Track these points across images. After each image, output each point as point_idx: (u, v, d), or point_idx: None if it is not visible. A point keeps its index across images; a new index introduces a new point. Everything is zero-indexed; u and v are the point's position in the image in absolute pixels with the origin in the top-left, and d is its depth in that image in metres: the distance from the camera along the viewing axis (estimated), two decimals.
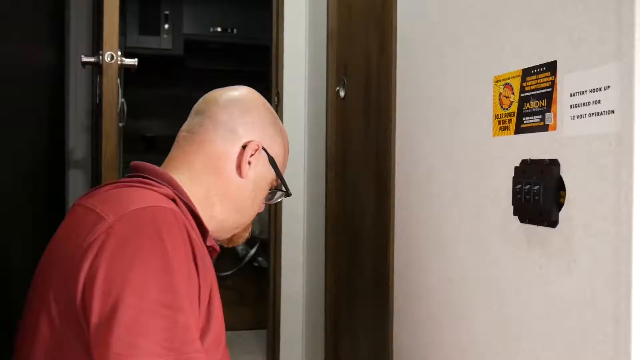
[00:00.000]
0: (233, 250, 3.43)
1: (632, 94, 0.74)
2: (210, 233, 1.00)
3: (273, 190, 1.13)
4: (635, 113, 0.74)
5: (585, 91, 0.83)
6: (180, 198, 0.95)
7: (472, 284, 1.11)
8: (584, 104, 0.83)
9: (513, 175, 0.97)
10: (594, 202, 0.81)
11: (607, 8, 0.79)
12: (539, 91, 0.92)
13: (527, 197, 0.92)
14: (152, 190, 0.91)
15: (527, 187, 0.92)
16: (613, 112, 0.78)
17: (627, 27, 0.75)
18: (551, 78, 0.90)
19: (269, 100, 2.61)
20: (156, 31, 4.60)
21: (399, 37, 1.47)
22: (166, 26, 4.62)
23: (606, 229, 0.79)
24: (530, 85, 0.94)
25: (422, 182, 1.32)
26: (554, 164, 0.88)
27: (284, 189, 1.13)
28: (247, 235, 1.15)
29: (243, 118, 1.04)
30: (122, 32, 4.04)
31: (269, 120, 1.09)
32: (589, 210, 0.82)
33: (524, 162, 0.95)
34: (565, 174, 0.87)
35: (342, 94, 2.02)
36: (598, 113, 0.80)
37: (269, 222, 2.72)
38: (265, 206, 1.16)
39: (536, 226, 0.92)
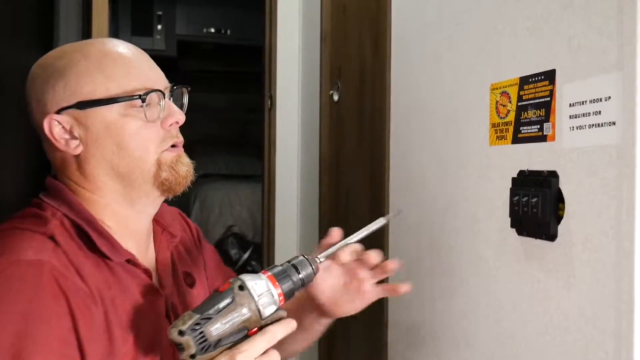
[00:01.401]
0: (226, 254, 3.40)
1: (634, 106, 0.72)
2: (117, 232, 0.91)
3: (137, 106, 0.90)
4: (637, 125, 0.71)
5: (585, 101, 0.80)
6: (77, 219, 0.88)
7: (468, 295, 1.08)
8: (583, 114, 0.81)
9: (510, 186, 0.94)
10: (594, 216, 0.79)
11: (608, 15, 0.76)
12: (537, 100, 0.90)
13: (525, 209, 0.89)
14: (26, 231, 0.84)
15: (525, 199, 0.89)
16: (614, 123, 0.76)
17: (629, 36, 0.72)
18: (550, 87, 0.87)
19: (262, 102, 2.59)
20: (149, 32, 4.56)
21: (393, 40, 1.44)
22: (159, 27, 4.58)
23: (607, 244, 0.77)
24: (528, 94, 0.92)
25: (417, 189, 1.29)
26: (553, 175, 0.86)
27: (135, 97, 0.89)
28: (184, 170, 0.94)
29: (29, 103, 0.94)
30: (114, 33, 4.01)
31: (38, 82, 0.91)
32: (589, 225, 0.80)
33: (521, 172, 0.93)
34: (564, 186, 0.84)
35: (336, 97, 1.99)
36: (598, 124, 0.78)
37: (262, 225, 2.69)
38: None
39: (534, 239, 0.89)
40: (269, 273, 0.82)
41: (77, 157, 0.91)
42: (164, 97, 0.92)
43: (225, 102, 4.77)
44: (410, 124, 1.33)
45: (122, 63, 0.91)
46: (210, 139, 4.44)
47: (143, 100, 0.89)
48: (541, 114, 0.89)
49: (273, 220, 2.46)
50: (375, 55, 1.64)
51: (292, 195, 2.43)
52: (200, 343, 0.76)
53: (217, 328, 0.77)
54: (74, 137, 0.90)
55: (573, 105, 0.82)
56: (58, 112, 0.90)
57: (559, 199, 0.85)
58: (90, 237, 0.87)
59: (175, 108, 0.95)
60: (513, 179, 0.94)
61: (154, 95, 0.91)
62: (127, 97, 0.89)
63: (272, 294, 0.80)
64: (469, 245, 1.08)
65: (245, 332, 0.79)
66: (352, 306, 1.02)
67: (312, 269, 0.86)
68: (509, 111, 0.96)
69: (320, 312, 1.04)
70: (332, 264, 0.98)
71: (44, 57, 0.94)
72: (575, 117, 0.82)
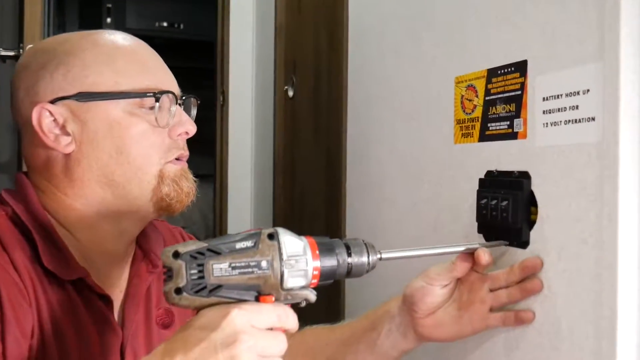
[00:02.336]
0: None
1: (616, 100, 0.65)
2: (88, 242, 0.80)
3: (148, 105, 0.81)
4: (620, 121, 0.64)
5: (561, 95, 0.73)
6: (29, 222, 0.76)
7: None
8: (559, 109, 0.73)
9: (477, 188, 0.86)
10: (572, 221, 0.71)
11: (586, 1, 0.69)
12: (507, 94, 0.82)
13: (494, 213, 0.81)
14: None
15: (494, 202, 0.81)
16: (593, 119, 0.68)
17: (610, 22, 0.65)
18: (521, 80, 0.80)
19: (214, 99, 2.48)
20: (98, 25, 4.37)
21: (350, 33, 1.35)
22: (108, 20, 4.39)
23: (586, 253, 0.69)
24: (497, 88, 0.84)
25: (375, 190, 1.21)
26: (525, 176, 0.78)
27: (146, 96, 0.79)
28: (188, 187, 0.83)
29: (17, 87, 0.82)
30: (61, 26, 3.82)
31: (34, 68, 0.80)
32: (566, 231, 0.72)
33: (489, 173, 0.85)
34: (537, 188, 0.77)
35: (290, 93, 1.90)
36: (576, 120, 0.71)
37: (213, 225, 2.58)
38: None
39: (504, 247, 0.82)
40: (312, 238, 0.65)
41: (66, 156, 0.78)
42: (176, 103, 0.82)
43: None
44: (369, 120, 1.25)
45: (136, 59, 0.81)
46: None
47: (157, 100, 0.78)
48: (511, 109, 0.81)
49: (225, 221, 2.36)
50: (332, 49, 1.55)
51: (245, 195, 2.34)
52: (195, 278, 0.60)
53: (222, 268, 0.60)
54: (66, 133, 0.78)
55: (547, 99, 0.75)
56: (53, 102, 0.77)
57: (532, 202, 0.78)
58: (36, 244, 0.75)
59: (187, 117, 0.84)
60: (480, 180, 0.86)
61: (165, 98, 0.80)
62: (139, 94, 0.78)
63: (306, 262, 0.62)
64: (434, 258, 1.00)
65: (255, 294, 0.61)
66: (456, 329, 0.81)
67: (368, 260, 0.67)
68: (475, 106, 0.89)
69: (406, 331, 0.84)
70: (447, 271, 0.80)
71: (42, 42, 0.84)
72: (550, 113, 0.75)
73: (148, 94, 0.78)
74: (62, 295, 0.75)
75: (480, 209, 0.85)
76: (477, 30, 0.88)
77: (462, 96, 0.91)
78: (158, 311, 0.87)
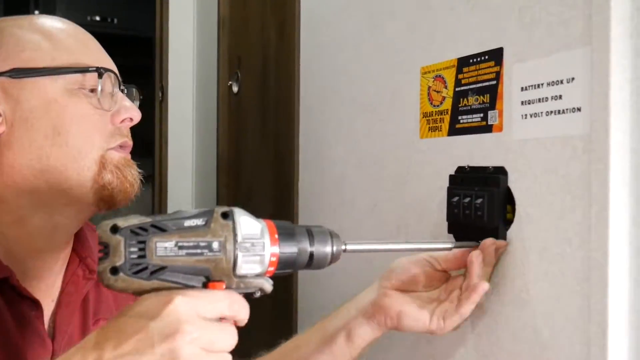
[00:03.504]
0: None
1: (606, 88, 0.60)
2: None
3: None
4: (610, 111, 0.59)
5: (542, 84, 0.68)
6: None
7: None
8: (539, 100, 0.68)
9: (447, 185, 0.81)
10: (554, 220, 0.66)
11: None
12: (480, 84, 0.76)
13: (467, 212, 0.75)
14: None
15: (467, 200, 0.75)
16: (579, 109, 0.63)
17: (599, 3, 0.60)
18: (496, 69, 0.74)
19: (152, 95, 2.36)
20: None
21: (303, 23, 1.28)
22: (36, 12, 4.17)
23: (570, 254, 0.64)
24: (469, 78, 0.78)
25: (333, 190, 1.14)
26: (501, 172, 0.73)
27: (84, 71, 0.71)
28: (132, 177, 0.75)
29: None
30: None
31: None
32: (548, 230, 0.67)
33: (460, 169, 0.79)
34: (514, 184, 0.72)
35: (235, 88, 1.81)
36: (559, 111, 0.66)
37: None
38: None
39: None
40: (272, 222, 0.58)
41: None
42: (120, 87, 0.74)
43: None
44: (324, 116, 1.18)
45: (75, 37, 0.74)
46: None
47: (100, 76, 0.71)
48: (485, 100, 0.76)
49: None
50: (281, 41, 1.48)
51: (186, 197, 2.23)
52: (135, 257, 0.52)
53: (167, 247, 0.53)
54: None
55: (526, 89, 0.70)
56: None
57: (508, 199, 0.72)
58: None
59: (131, 103, 0.76)
60: (451, 176, 0.80)
61: (108, 79, 0.72)
62: (80, 69, 0.71)
63: (262, 247, 0.55)
64: (395, 256, 0.93)
65: (203, 280, 0.54)
66: (420, 319, 0.73)
67: (332, 250, 0.61)
68: (444, 98, 0.83)
69: (372, 316, 0.76)
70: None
71: None
72: (529, 103, 0.69)
73: (90, 69, 0.71)
74: None
75: (451, 207, 0.79)
76: (446, 16, 0.83)
77: (429, 87, 0.85)
78: (96, 323, 0.77)
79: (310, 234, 0.60)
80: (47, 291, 0.75)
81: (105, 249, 0.52)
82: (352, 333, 0.76)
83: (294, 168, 1.31)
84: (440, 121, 0.84)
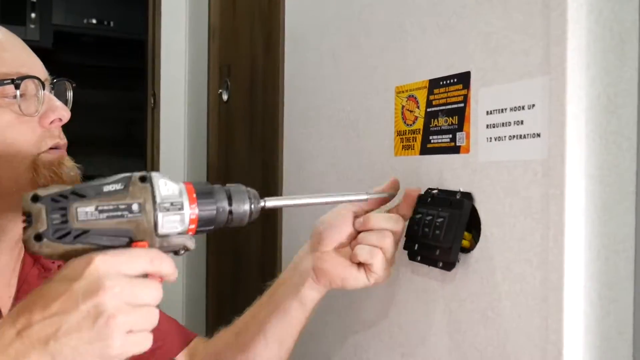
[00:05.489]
0: None
1: (562, 116, 0.62)
2: None
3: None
4: (566, 138, 0.62)
5: (505, 109, 0.70)
6: None
7: (369, 322, 0.96)
8: (503, 124, 0.70)
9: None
10: (516, 240, 0.68)
11: (532, 11, 0.66)
12: (449, 106, 0.79)
13: (426, 229, 0.77)
14: None
15: (429, 218, 0.77)
16: (539, 135, 0.66)
17: (557, 35, 0.62)
18: (463, 92, 0.76)
19: (143, 101, 2.38)
20: (21, 20, 4.15)
21: (287, 37, 1.30)
22: (33, 15, 4.19)
23: (530, 274, 0.67)
24: (439, 99, 0.81)
25: None
26: (467, 197, 0.74)
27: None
28: (69, 176, 0.77)
29: None
30: None
31: None
32: (510, 251, 0.69)
33: (429, 191, 0.81)
34: (480, 205, 0.74)
35: (225, 97, 1.83)
36: (521, 136, 0.68)
37: None
38: None
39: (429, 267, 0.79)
40: (191, 184, 0.61)
41: None
42: (43, 88, 0.75)
43: (107, 100, 4.44)
44: (306, 129, 1.20)
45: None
46: (91, 139, 4.11)
47: (17, 87, 0.71)
48: (454, 122, 0.78)
49: None
50: (267, 54, 1.50)
51: None
52: (57, 222, 0.55)
53: (88, 212, 0.55)
54: None
55: (491, 113, 0.72)
56: None
57: (468, 226, 0.74)
58: None
59: (58, 102, 0.77)
60: (420, 195, 0.82)
61: (30, 84, 0.73)
62: None
63: (182, 207, 0.58)
64: None
65: (127, 241, 0.57)
66: (360, 275, 0.77)
67: (250, 208, 0.64)
68: (416, 118, 0.85)
69: (317, 280, 0.80)
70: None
71: None
72: (494, 127, 0.72)
73: (5, 82, 0.71)
74: None
75: (412, 223, 0.81)
76: (418, 38, 0.85)
77: (403, 107, 0.88)
78: None
79: (228, 193, 0.63)
80: (4, 290, 0.78)
81: (28, 218, 0.55)
82: (303, 299, 0.81)
83: (278, 179, 1.33)
84: (413, 140, 0.86)
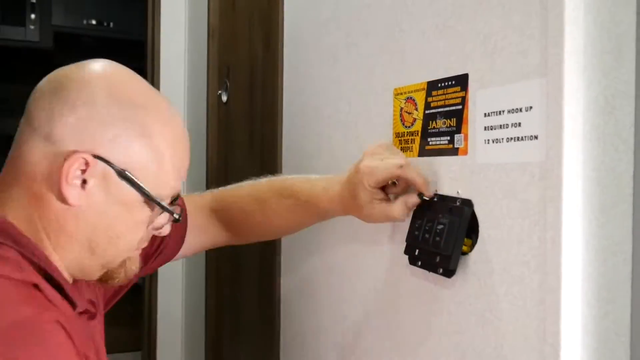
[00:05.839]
0: None
1: (560, 118, 0.62)
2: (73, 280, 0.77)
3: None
4: (564, 140, 0.62)
5: (503, 111, 0.70)
6: (43, 269, 0.71)
7: (371, 326, 0.96)
8: (500, 126, 0.70)
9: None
10: (514, 243, 0.69)
11: (530, 12, 0.66)
12: (447, 108, 0.79)
13: (427, 236, 0.77)
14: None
15: (430, 224, 0.77)
16: (536, 137, 0.66)
17: (554, 36, 0.63)
18: (461, 94, 0.76)
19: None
20: (21, 21, 4.16)
21: (286, 38, 1.30)
22: (32, 16, 4.19)
23: (528, 276, 0.67)
24: (437, 101, 0.81)
25: None
26: (466, 203, 0.75)
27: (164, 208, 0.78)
28: (131, 271, 0.82)
29: (62, 114, 0.70)
30: None
31: (112, 113, 0.72)
32: (508, 253, 0.69)
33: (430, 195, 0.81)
34: (478, 207, 0.74)
35: (224, 98, 1.83)
36: (518, 138, 0.68)
37: None
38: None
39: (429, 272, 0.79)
40: None
41: (66, 205, 0.72)
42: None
43: None
44: (305, 130, 1.20)
45: (177, 161, 0.79)
46: None
47: (175, 221, 0.81)
48: (452, 124, 0.78)
49: None
50: (267, 54, 1.50)
51: None
52: None
53: None
54: (83, 187, 0.72)
55: (489, 115, 0.72)
56: (96, 156, 0.71)
57: (469, 232, 0.74)
58: (59, 284, 0.72)
59: (168, 224, 0.82)
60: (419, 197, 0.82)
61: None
62: (163, 207, 0.76)
63: None
64: (371, 269, 0.96)
65: None
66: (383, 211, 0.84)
67: None
68: (415, 120, 0.85)
69: (347, 211, 0.90)
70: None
71: (128, 89, 0.75)
72: (491, 129, 0.72)
73: (168, 208, 0.77)
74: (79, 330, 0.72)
75: (413, 229, 0.81)
76: (417, 40, 0.85)
77: (402, 109, 0.88)
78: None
79: None
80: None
81: None
82: (327, 216, 0.96)
83: None
84: (411, 142, 0.86)
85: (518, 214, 0.68)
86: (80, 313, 0.76)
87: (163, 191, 0.76)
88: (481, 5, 0.73)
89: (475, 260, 0.74)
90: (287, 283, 1.30)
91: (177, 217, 0.79)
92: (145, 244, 0.82)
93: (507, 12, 0.69)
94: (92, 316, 0.81)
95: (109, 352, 0.86)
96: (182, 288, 2.30)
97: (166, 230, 0.82)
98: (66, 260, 0.75)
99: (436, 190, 0.80)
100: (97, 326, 0.83)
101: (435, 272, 0.77)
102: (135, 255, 0.81)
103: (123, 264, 0.80)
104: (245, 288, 1.66)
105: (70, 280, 0.77)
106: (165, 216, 0.79)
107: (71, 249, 0.75)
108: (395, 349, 0.89)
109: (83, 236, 0.74)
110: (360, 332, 0.99)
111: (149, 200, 0.74)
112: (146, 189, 0.73)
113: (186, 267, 2.26)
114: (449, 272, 0.75)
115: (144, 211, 0.75)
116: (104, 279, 0.80)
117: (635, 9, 0.63)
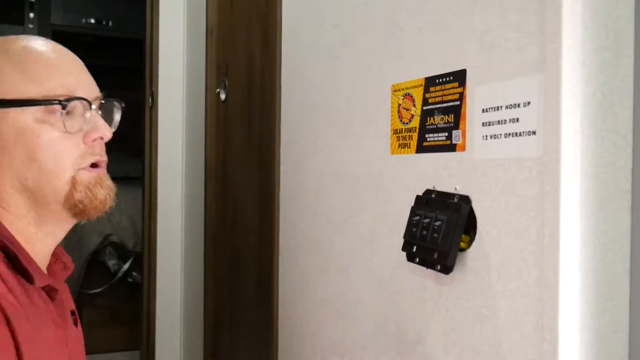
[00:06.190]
0: (104, 265, 3.12)
1: (557, 113, 0.62)
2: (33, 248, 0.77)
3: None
4: (562, 136, 0.61)
5: (501, 107, 0.70)
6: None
7: (367, 321, 0.96)
8: (498, 122, 0.70)
9: (413, 203, 0.83)
10: (511, 239, 0.68)
11: (527, 9, 0.66)
12: (445, 104, 0.79)
13: (425, 232, 0.77)
14: None
15: (427, 220, 0.77)
16: (534, 133, 0.65)
17: (552, 32, 0.62)
18: (459, 90, 0.76)
19: (142, 100, 2.37)
20: (20, 20, 4.16)
21: (284, 36, 1.30)
22: (31, 15, 4.19)
23: (526, 272, 0.66)
24: (435, 97, 0.81)
25: (310, 200, 1.16)
26: (464, 200, 0.74)
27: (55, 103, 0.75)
28: (99, 194, 0.79)
29: None
30: None
31: None
32: (505, 249, 0.69)
33: (428, 192, 0.81)
34: (476, 202, 0.74)
35: (222, 96, 1.83)
36: (516, 134, 0.68)
37: (142, 233, 2.47)
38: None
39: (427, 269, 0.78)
40: None
41: None
42: (90, 108, 0.78)
43: None
44: (303, 127, 1.20)
45: (46, 63, 0.77)
46: None
47: (63, 107, 0.76)
48: (450, 120, 0.78)
49: (155, 227, 2.26)
50: (265, 52, 1.49)
51: (176, 201, 2.24)
52: None
53: None
54: None
55: (486, 111, 0.72)
56: None
57: (466, 228, 0.74)
58: (15, 255, 0.73)
59: (102, 122, 0.81)
60: (418, 197, 0.82)
61: (78, 104, 0.77)
62: (45, 101, 0.75)
63: None
64: (369, 265, 0.96)
65: None
66: None
67: None
68: (412, 116, 0.85)
69: None
70: None
71: None
72: (489, 125, 0.71)
73: (54, 102, 0.75)
74: (33, 307, 0.73)
75: (410, 225, 0.81)
76: (414, 37, 0.85)
77: (399, 105, 0.88)
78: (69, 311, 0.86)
79: None
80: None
81: None
82: None
83: (275, 177, 1.33)
84: (409, 138, 0.86)
85: (516, 210, 0.68)
86: (43, 289, 0.76)
87: (47, 92, 0.75)
88: (478, 3, 0.73)
89: (473, 257, 0.74)
90: (286, 281, 1.29)
91: (89, 104, 0.77)
92: (89, 159, 0.78)
93: (504, 8, 0.69)
94: (54, 294, 0.79)
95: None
96: (180, 287, 2.30)
97: (101, 131, 0.79)
98: (18, 216, 0.76)
99: (434, 187, 0.80)
100: (77, 332, 0.83)
101: (433, 268, 0.77)
102: (87, 176, 0.78)
103: (81, 189, 0.77)
104: (244, 287, 1.66)
105: (45, 263, 0.79)
106: (84, 119, 0.77)
107: (12, 196, 0.76)
108: (392, 347, 0.89)
109: (10, 179, 0.75)
110: (359, 330, 0.98)
111: (29, 105, 0.73)
112: (19, 98, 0.73)
113: (185, 266, 2.26)
114: (446, 269, 0.75)
115: (43, 124, 0.75)
116: (78, 213, 0.78)
117: (634, 4, 0.63)
